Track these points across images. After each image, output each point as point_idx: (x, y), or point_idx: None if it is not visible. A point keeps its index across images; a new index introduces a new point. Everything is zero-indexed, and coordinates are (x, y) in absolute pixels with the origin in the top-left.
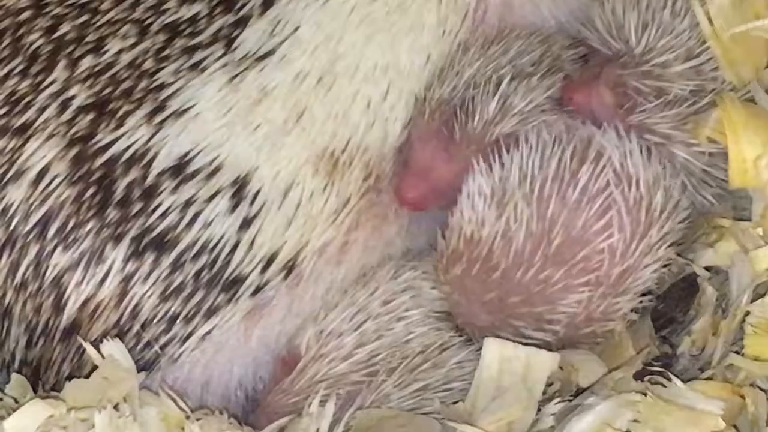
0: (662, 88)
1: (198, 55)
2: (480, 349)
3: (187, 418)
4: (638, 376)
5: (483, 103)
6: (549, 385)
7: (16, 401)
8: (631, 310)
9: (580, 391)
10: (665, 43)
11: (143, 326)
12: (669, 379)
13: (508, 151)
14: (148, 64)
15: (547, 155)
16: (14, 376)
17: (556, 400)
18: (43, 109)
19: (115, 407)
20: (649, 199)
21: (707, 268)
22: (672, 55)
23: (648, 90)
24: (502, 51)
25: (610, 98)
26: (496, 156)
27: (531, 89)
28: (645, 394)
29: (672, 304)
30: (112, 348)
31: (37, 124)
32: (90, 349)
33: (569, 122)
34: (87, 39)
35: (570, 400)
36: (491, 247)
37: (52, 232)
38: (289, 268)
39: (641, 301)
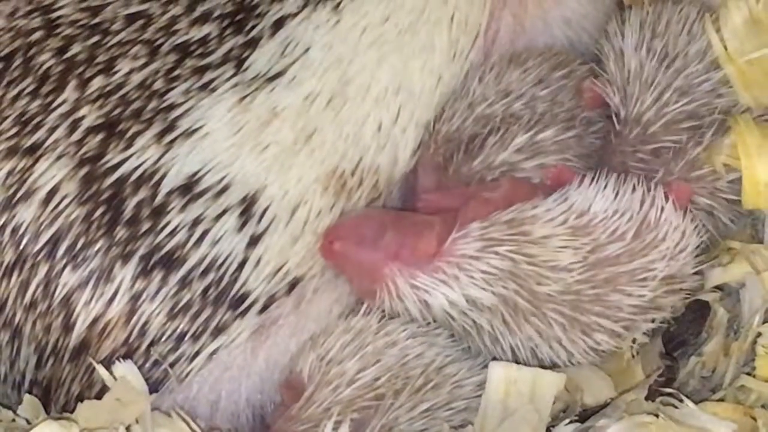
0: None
1: (208, 76)
2: (472, 362)
3: None
4: (649, 396)
5: (491, 152)
6: (553, 403)
7: (29, 422)
8: (643, 333)
9: (586, 410)
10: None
11: (151, 345)
12: (681, 400)
13: None
14: (158, 85)
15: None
16: (26, 397)
17: (566, 421)
18: (53, 129)
19: (128, 429)
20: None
21: (719, 288)
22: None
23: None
24: (519, 79)
25: None
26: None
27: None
28: (657, 416)
29: (684, 326)
30: (125, 369)
31: (47, 144)
32: (102, 371)
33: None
34: (97, 59)
35: (578, 420)
36: None
37: (61, 251)
38: (295, 286)
39: (653, 320)
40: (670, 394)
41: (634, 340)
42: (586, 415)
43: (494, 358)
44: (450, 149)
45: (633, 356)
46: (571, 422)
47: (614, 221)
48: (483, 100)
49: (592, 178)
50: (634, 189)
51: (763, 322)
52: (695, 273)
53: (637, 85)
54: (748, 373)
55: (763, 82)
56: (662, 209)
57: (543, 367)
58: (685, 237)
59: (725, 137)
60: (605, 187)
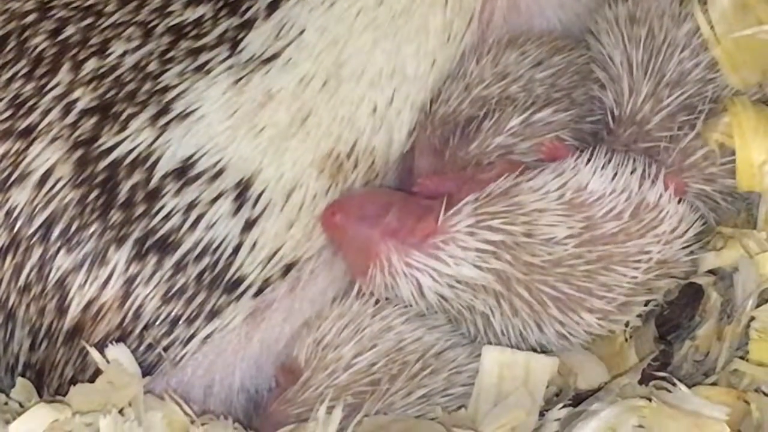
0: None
1: (203, 58)
2: (471, 348)
3: (192, 422)
4: (643, 380)
5: (487, 135)
6: (546, 387)
7: (21, 405)
8: (636, 316)
9: (580, 394)
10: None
11: (146, 328)
12: (674, 384)
13: None
14: (153, 67)
15: None
16: (19, 380)
17: (560, 405)
18: (47, 112)
19: (120, 412)
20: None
21: (712, 272)
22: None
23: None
24: (517, 61)
25: None
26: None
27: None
28: (650, 400)
29: (678, 309)
30: (117, 352)
31: (41, 126)
32: (95, 354)
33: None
34: (91, 41)
35: (571, 404)
36: None
37: (55, 234)
38: (290, 269)
39: (646, 304)
40: (663, 378)
41: (627, 324)
42: (579, 399)
43: (488, 343)
44: (446, 132)
45: (626, 340)
46: (564, 406)
47: (611, 200)
48: (480, 81)
49: (591, 156)
50: (633, 170)
51: (757, 306)
52: (689, 258)
53: (627, 82)
54: (742, 357)
55: (751, 63)
56: (660, 193)
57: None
58: (682, 222)
59: (721, 116)
60: (604, 165)
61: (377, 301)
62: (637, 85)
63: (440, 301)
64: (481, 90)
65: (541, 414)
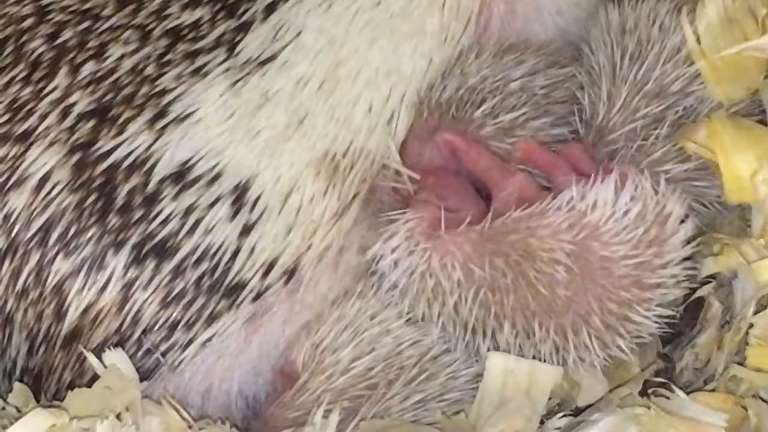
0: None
1: (200, 60)
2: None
3: (190, 427)
4: (643, 388)
5: (479, 116)
6: (549, 399)
7: (18, 410)
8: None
9: (582, 410)
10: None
11: (144, 333)
12: (672, 391)
13: None
14: (150, 70)
15: None
16: (16, 384)
17: (560, 414)
18: (44, 116)
19: (118, 417)
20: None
21: (711, 277)
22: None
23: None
24: (515, 63)
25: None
26: None
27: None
28: (649, 408)
29: (679, 318)
30: (115, 357)
31: (38, 131)
32: (92, 359)
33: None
34: (89, 45)
35: (573, 415)
36: None
37: (53, 239)
38: (290, 274)
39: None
40: (661, 384)
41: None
42: (580, 411)
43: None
44: (442, 115)
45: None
46: (564, 416)
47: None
48: (477, 71)
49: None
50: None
51: (755, 313)
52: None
53: (606, 90)
54: (740, 363)
55: (735, 78)
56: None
57: None
58: (688, 246)
59: (698, 125)
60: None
61: (376, 305)
62: (616, 93)
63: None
64: (477, 80)
65: (542, 422)
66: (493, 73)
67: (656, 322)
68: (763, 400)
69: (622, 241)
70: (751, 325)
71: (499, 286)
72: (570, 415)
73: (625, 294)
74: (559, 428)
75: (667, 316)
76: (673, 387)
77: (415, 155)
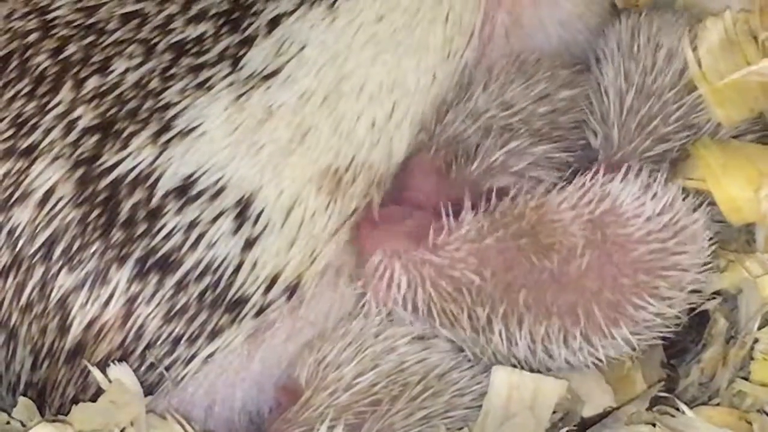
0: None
1: (204, 74)
2: (475, 369)
3: None
4: (649, 403)
5: (486, 154)
6: (553, 412)
7: (23, 425)
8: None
9: (585, 419)
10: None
11: (147, 348)
12: (677, 408)
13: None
14: (154, 84)
15: None
16: (21, 399)
17: (564, 429)
18: (48, 131)
19: (122, 431)
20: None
21: (717, 293)
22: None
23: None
24: (521, 97)
25: None
26: None
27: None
28: (654, 425)
29: (684, 333)
30: (120, 372)
31: (42, 145)
32: (96, 373)
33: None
34: (93, 59)
35: (576, 430)
36: None
37: (57, 253)
38: (292, 290)
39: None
40: (666, 399)
41: (634, 349)
42: (585, 424)
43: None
44: (450, 153)
45: (633, 362)
46: (569, 431)
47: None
48: (485, 111)
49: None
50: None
51: (760, 327)
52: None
53: (617, 126)
54: (745, 378)
55: (736, 101)
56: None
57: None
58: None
59: (690, 161)
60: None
61: (380, 322)
62: (626, 129)
63: (441, 308)
64: (486, 119)
65: None
66: (499, 110)
67: (665, 325)
68: None
69: (640, 223)
70: (756, 340)
71: (511, 262)
72: (575, 429)
73: (639, 276)
74: None
75: (673, 326)
76: (679, 404)
77: (417, 186)
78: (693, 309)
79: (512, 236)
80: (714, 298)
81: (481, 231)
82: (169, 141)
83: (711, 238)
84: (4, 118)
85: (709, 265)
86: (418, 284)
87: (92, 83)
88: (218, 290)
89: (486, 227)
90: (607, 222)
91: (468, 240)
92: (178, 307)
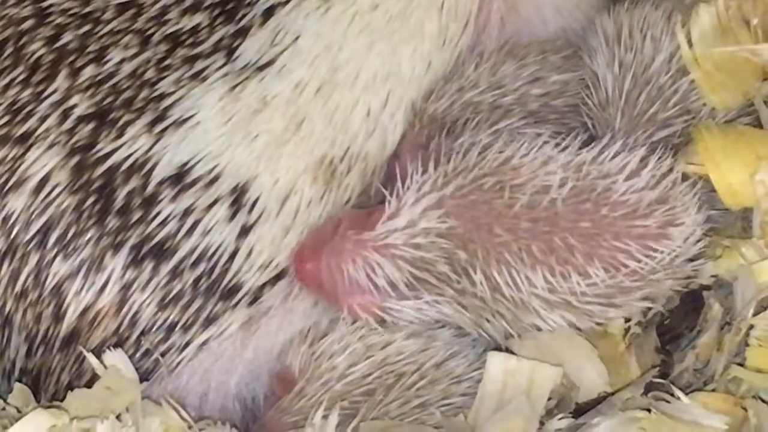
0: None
1: (199, 65)
2: (472, 357)
3: (190, 428)
4: (644, 388)
5: (475, 131)
6: (548, 399)
7: (19, 411)
8: (636, 323)
9: (580, 404)
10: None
11: (142, 334)
12: (672, 394)
13: None
14: (150, 74)
15: None
16: (16, 385)
17: (560, 416)
18: (44, 119)
19: (118, 417)
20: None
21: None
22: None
23: None
24: (512, 78)
25: None
26: None
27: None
28: (649, 411)
29: (678, 319)
30: (115, 358)
31: (38, 133)
32: (92, 359)
33: None
34: (89, 49)
35: (572, 416)
36: None
37: (52, 240)
38: (287, 277)
39: (649, 309)
40: (661, 385)
41: (627, 330)
42: (579, 408)
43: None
44: (433, 130)
45: (627, 346)
46: (564, 417)
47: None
48: (474, 86)
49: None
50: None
51: (755, 314)
52: (693, 266)
53: (612, 112)
54: (740, 364)
55: (730, 85)
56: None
57: None
58: (697, 230)
59: (690, 146)
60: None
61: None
62: (627, 116)
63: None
64: (474, 95)
65: (541, 424)
66: (491, 87)
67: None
68: (763, 401)
69: (632, 196)
70: (752, 326)
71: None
72: (570, 416)
73: (618, 222)
74: (559, 430)
75: (659, 300)
76: (674, 389)
77: (403, 167)
78: (688, 294)
79: (473, 180)
80: (709, 287)
81: (435, 183)
82: (164, 130)
83: (707, 223)
84: None
85: (700, 242)
86: (381, 264)
87: (88, 72)
88: (213, 277)
89: (441, 179)
90: (586, 172)
91: (425, 194)
92: (172, 294)
